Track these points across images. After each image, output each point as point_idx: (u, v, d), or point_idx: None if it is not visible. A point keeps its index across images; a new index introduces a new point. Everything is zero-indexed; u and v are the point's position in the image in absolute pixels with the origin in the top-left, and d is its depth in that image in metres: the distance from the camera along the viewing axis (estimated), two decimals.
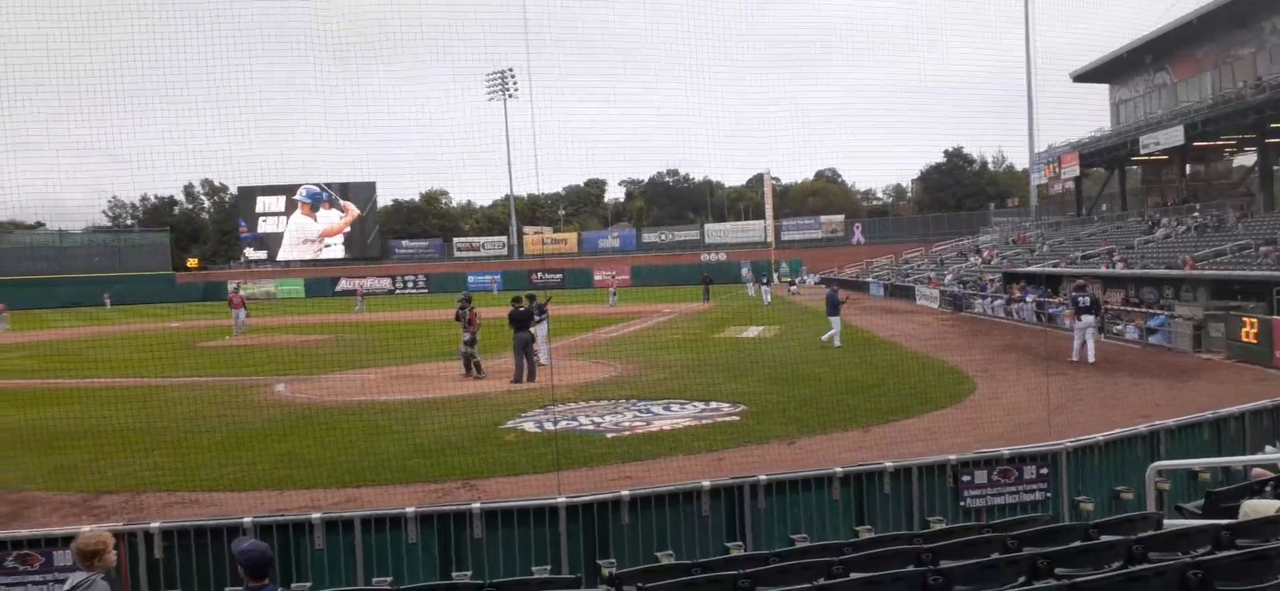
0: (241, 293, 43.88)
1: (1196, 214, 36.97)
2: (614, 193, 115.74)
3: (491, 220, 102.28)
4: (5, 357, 29.76)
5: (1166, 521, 6.72)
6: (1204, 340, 21.92)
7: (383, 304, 62.85)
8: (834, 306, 25.89)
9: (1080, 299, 21.33)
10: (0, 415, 17.21)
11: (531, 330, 20.12)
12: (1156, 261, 31.77)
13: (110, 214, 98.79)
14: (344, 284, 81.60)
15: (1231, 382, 17.58)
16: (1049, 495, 8.70)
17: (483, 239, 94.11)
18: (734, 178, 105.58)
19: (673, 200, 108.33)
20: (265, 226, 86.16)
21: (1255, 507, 6.36)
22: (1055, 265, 37.98)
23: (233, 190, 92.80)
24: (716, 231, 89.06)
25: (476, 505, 7.60)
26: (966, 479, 8.57)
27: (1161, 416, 10.62)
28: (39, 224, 78.25)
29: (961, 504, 8.53)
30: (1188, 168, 45.70)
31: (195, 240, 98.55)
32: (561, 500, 7.67)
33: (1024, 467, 8.69)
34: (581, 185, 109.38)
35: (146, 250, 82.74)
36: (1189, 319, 22.66)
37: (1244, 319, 20.65)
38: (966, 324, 33.29)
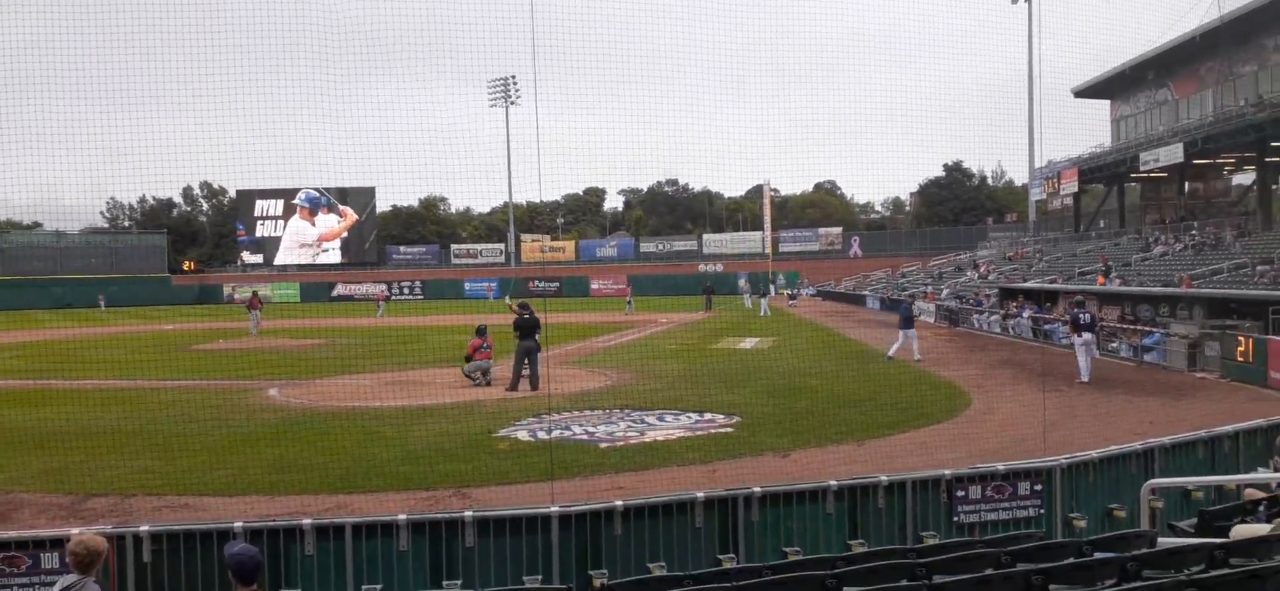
0: (258, 295, 44.01)
1: (1194, 232, 37.02)
2: (613, 201, 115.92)
3: (490, 227, 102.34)
4: None
5: (1160, 539, 6.68)
6: (1199, 359, 21.92)
7: (404, 308, 62.83)
8: (908, 320, 25.81)
9: (1081, 316, 21.31)
10: None
11: (537, 338, 20.02)
12: (1153, 279, 31.80)
13: (108, 215, 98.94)
14: (340, 289, 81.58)
15: (1226, 402, 17.56)
16: (1042, 511, 8.67)
17: (481, 246, 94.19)
18: (733, 188, 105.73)
19: (671, 210, 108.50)
20: (263, 230, 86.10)
21: (1245, 532, 6.33)
22: (1052, 281, 38.00)
23: (232, 193, 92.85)
24: (714, 241, 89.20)
25: (468, 513, 7.54)
26: (960, 494, 8.53)
27: (1156, 434, 10.60)
28: (36, 224, 78.20)
29: (955, 519, 8.49)
30: (1187, 185, 45.78)
31: (193, 243, 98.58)
32: (554, 509, 7.62)
33: (1018, 483, 8.65)
34: (580, 193, 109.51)
35: (143, 252, 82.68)
36: (1184, 337, 22.65)
37: (1239, 338, 20.65)
38: (963, 339, 33.29)
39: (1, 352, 31.56)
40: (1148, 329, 25.30)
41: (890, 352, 25.28)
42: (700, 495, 7.91)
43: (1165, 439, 9.65)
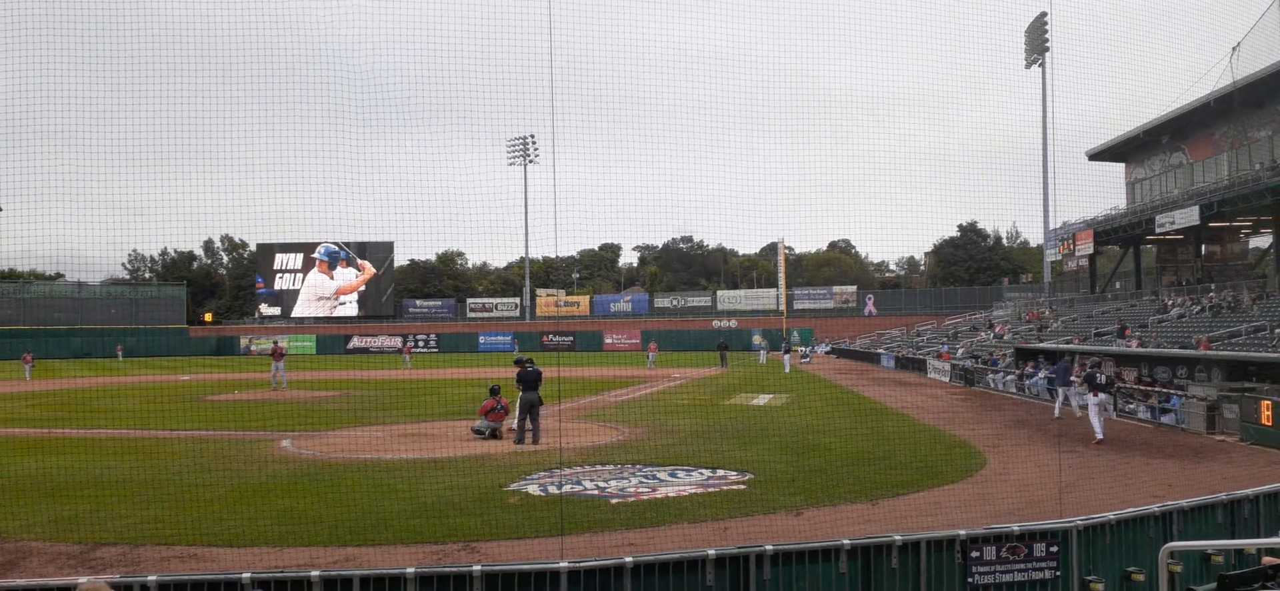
0: (279, 344, 44.13)
1: (1212, 294, 36.82)
2: (628, 257, 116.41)
3: (506, 282, 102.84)
4: (13, 407, 29.85)
5: None
6: (1218, 421, 21.67)
7: (427, 362, 63.20)
8: (1065, 377, 24.92)
9: (1098, 376, 21.22)
10: (3, 463, 17.18)
11: (539, 392, 19.98)
12: (1170, 341, 31.57)
13: (129, 267, 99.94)
14: (356, 342, 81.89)
15: (1246, 465, 17.31)
16: (1059, 574, 8.53)
17: (496, 300, 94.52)
18: (747, 246, 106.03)
19: (686, 266, 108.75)
20: (282, 283, 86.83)
21: None
22: (1068, 342, 37.76)
23: (252, 246, 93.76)
24: (729, 298, 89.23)
25: (477, 567, 7.47)
26: (975, 555, 8.41)
27: (1174, 497, 10.44)
28: (58, 275, 79.10)
29: (970, 580, 8.36)
30: (1203, 248, 45.66)
31: (212, 295, 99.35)
32: (563, 565, 7.55)
33: (1034, 545, 8.53)
34: (596, 249, 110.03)
35: (163, 304, 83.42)
36: (1202, 400, 22.41)
37: (1259, 402, 20.41)
38: (978, 398, 33.03)
39: (19, 401, 31.77)
40: (1166, 390, 25.06)
41: (1057, 413, 24.28)
42: (711, 552, 7.82)
43: (1184, 501, 9.51)
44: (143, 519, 12.31)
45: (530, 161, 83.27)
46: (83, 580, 5.81)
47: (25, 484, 14.86)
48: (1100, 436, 20.29)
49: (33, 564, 10.33)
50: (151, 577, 7.10)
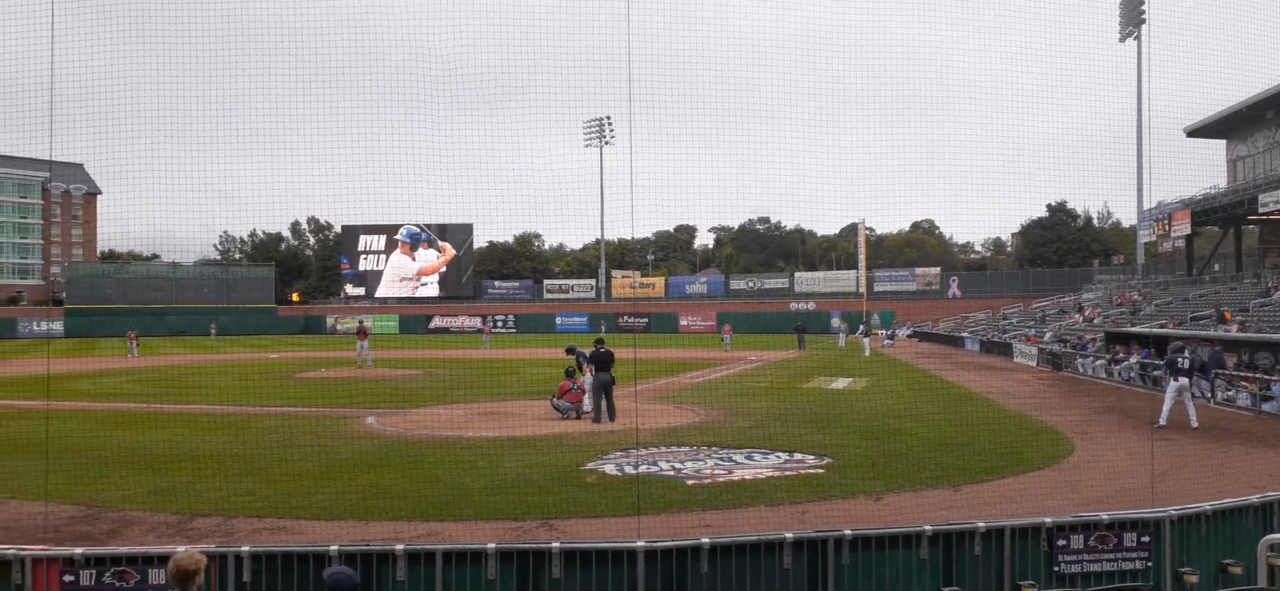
0: (363, 324, 45.36)
1: None
2: (703, 238, 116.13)
3: (582, 263, 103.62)
4: (115, 382, 31.19)
5: None
6: None
7: (507, 341, 64.44)
8: (1175, 369, 20.56)
9: (1179, 360, 20.36)
10: (107, 436, 17.98)
11: (611, 372, 20.13)
12: (1273, 326, 30.21)
13: (220, 248, 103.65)
14: (437, 322, 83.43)
15: None
16: (1150, 565, 8.25)
17: (572, 281, 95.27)
18: (826, 227, 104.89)
19: (763, 248, 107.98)
20: (366, 264, 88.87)
21: None
22: (1162, 326, 36.46)
23: (337, 228, 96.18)
24: (807, 280, 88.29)
25: (556, 544, 7.56)
26: (1062, 544, 8.18)
27: (1276, 488, 10.01)
28: (154, 256, 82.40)
29: (1056, 569, 8.14)
30: None
31: (299, 275, 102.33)
32: (641, 544, 7.58)
33: (1124, 534, 8.26)
34: (671, 231, 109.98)
35: (252, 283, 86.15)
36: None
37: None
38: (1066, 383, 32.12)
39: (120, 377, 33.19)
40: (1266, 377, 24.01)
41: (1193, 421, 19.95)
42: (789, 535, 7.77)
43: None
44: (236, 491, 12.75)
45: (606, 143, 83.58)
46: (180, 550, 6.04)
47: (127, 456, 15.53)
48: (1194, 422, 19.64)
49: (134, 532, 10.79)
50: (245, 548, 7.35)
